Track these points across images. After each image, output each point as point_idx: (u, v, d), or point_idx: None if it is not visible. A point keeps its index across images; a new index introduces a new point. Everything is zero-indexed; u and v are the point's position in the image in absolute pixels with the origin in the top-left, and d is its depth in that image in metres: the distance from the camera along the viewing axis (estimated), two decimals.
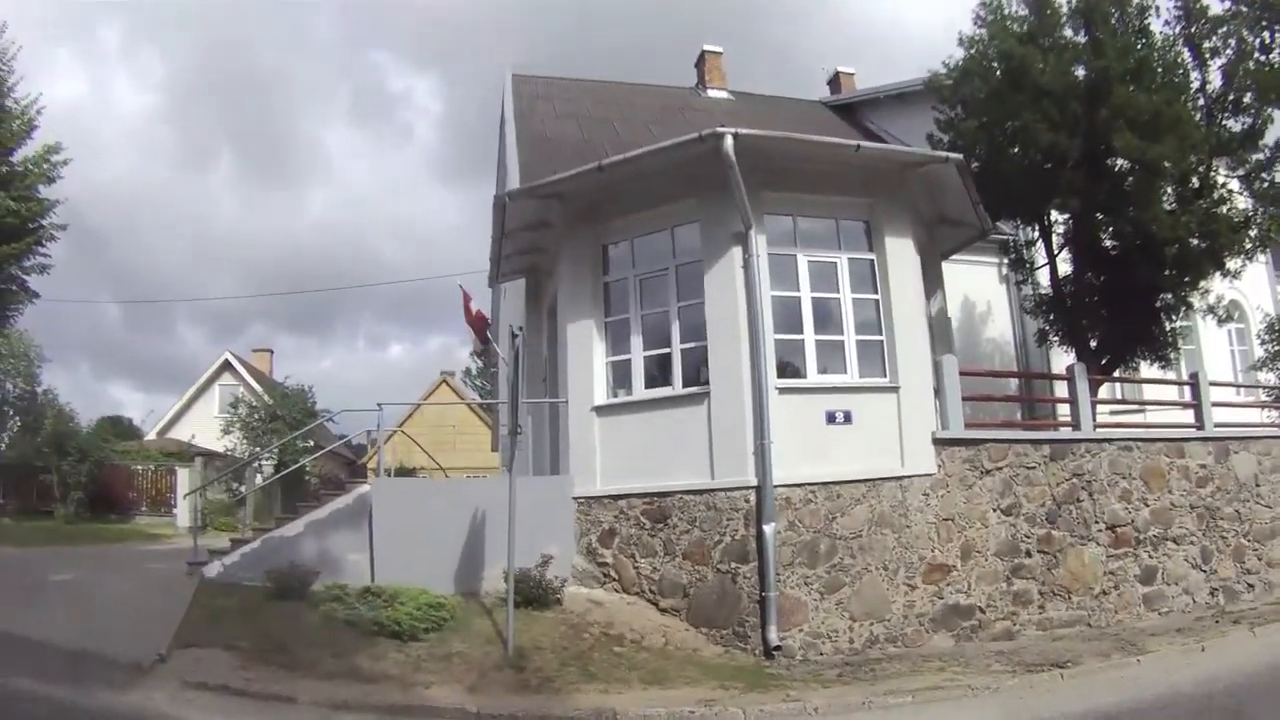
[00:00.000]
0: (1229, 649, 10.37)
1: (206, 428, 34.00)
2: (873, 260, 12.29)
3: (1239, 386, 18.68)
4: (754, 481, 11.03)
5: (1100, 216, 14.14)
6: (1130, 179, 13.82)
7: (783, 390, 11.41)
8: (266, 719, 8.25)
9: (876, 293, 12.19)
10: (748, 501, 11.07)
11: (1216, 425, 14.23)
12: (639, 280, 12.72)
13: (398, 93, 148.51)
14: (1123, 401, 16.29)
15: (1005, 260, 16.70)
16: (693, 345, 11.98)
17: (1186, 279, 14.49)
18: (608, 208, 12.78)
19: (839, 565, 11.11)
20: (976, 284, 17.72)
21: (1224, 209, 14.05)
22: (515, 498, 10.55)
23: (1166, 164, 12.97)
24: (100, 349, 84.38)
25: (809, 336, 11.86)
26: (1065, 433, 13.00)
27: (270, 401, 31.01)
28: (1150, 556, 12.55)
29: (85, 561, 14.87)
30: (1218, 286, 15.18)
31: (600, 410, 12.51)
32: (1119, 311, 14.67)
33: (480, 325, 16.46)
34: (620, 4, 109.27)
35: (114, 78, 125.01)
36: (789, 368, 11.78)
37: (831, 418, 11.59)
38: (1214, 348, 19.82)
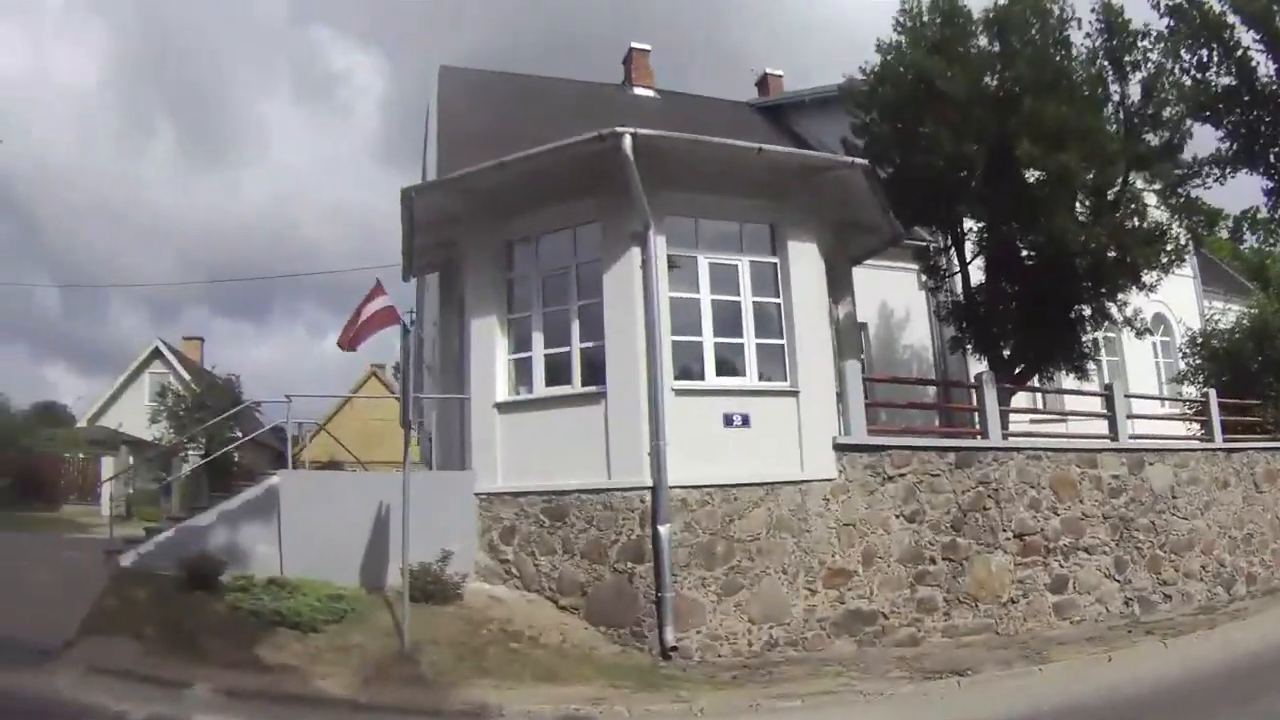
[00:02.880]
0: (1137, 660, 10.21)
1: (136, 415, 33.58)
2: (776, 264, 12.20)
3: (1158, 399, 18.67)
4: (649, 482, 10.90)
5: (1012, 226, 14.06)
6: (1039, 190, 13.72)
7: (680, 392, 11.28)
8: (164, 704, 8.31)
9: (778, 296, 12.10)
10: (643, 502, 10.94)
11: (1132, 437, 14.18)
12: (542, 278, 12.60)
13: (339, 71, 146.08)
14: (1033, 410, 16.22)
15: (920, 267, 16.64)
16: (593, 345, 11.84)
17: (1102, 290, 14.45)
18: (513, 205, 12.58)
19: (737, 568, 10.97)
20: (896, 290, 17.65)
21: (1137, 222, 14.05)
22: (409, 492, 10.52)
23: (1072, 174, 12.92)
24: (37, 332, 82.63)
25: (708, 339, 11.75)
26: (971, 440, 12.89)
27: (198, 390, 30.60)
28: (1061, 565, 12.46)
29: (3, 550, 14.56)
30: (1137, 299, 15.13)
31: (501, 407, 12.37)
32: (1032, 321, 14.58)
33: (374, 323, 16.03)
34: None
35: (42, 48, 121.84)
36: (688, 370, 11.63)
37: (729, 420, 11.47)
38: (1138, 360, 19.93)
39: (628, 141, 10.79)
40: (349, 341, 15.61)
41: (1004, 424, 13.60)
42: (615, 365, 11.44)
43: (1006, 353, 15.05)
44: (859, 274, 15.79)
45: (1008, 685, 9.11)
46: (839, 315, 14.25)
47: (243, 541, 11.95)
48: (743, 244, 12.25)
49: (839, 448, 11.73)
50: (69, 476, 27.40)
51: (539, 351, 12.34)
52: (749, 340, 11.89)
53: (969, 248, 15.48)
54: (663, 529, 10.70)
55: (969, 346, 15.74)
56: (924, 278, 16.74)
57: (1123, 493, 13.34)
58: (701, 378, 11.67)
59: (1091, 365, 15.70)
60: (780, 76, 24.55)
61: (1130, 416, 14.51)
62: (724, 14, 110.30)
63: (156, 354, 40.73)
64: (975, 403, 13.30)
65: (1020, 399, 15.68)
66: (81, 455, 27.94)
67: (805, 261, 12.25)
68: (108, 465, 26.17)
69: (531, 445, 11.99)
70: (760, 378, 11.86)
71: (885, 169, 14.55)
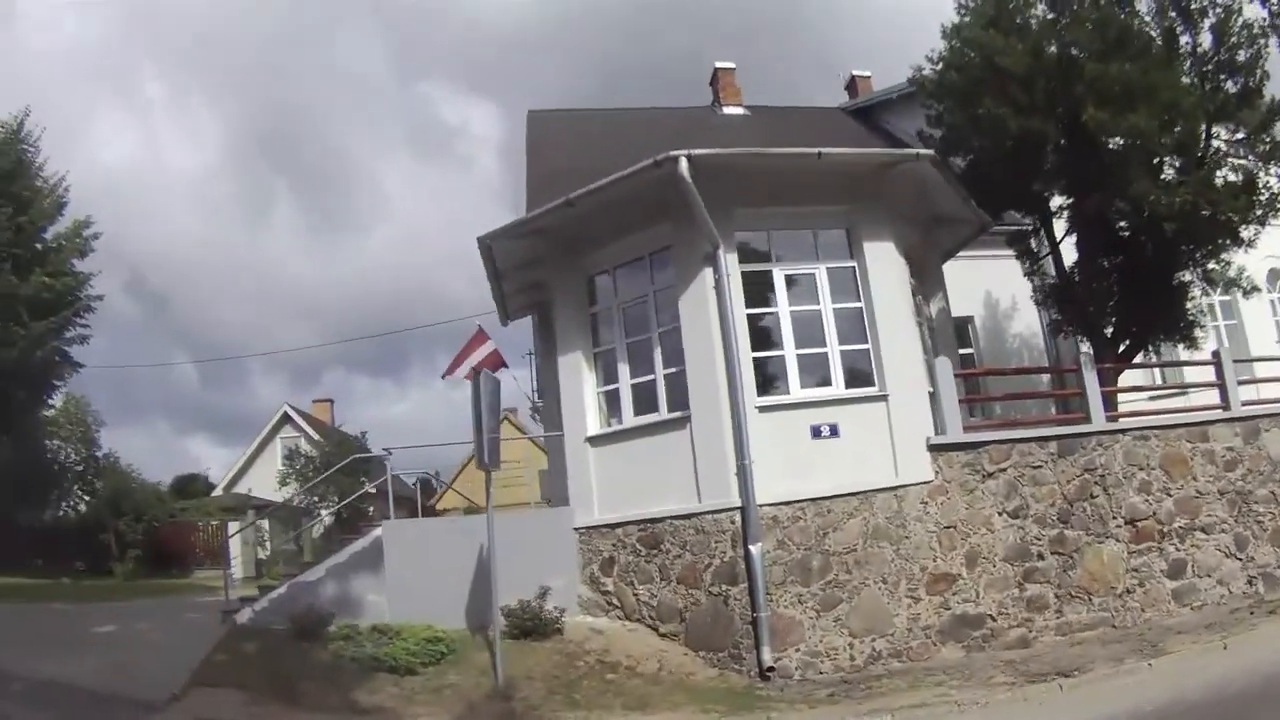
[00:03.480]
0: (1254, 645, 9.66)
1: (269, 479, 34.88)
2: (854, 268, 12.05)
3: (1276, 360, 17.57)
4: (737, 502, 10.91)
5: (1095, 198, 13.35)
6: (1115, 157, 12.98)
7: (763, 409, 11.28)
8: None
9: (860, 300, 11.93)
10: (733, 523, 10.96)
11: (1245, 404, 13.37)
12: (622, 309, 12.86)
13: (454, 124, 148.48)
14: (1142, 388, 15.34)
15: (1015, 252, 15.92)
16: (675, 370, 11.95)
17: (1200, 253, 13.69)
18: (589, 240, 12.88)
19: (834, 581, 10.87)
20: (1000, 279, 16.86)
21: (1223, 175, 13.28)
22: (496, 533, 10.88)
23: (1143, 135, 12.25)
24: (178, 407, 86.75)
25: (789, 352, 11.70)
26: (1072, 426, 12.34)
27: (327, 449, 31.58)
28: (1177, 549, 11.88)
29: (131, 614, 15.46)
30: (1242, 257, 14.24)
31: (593, 440, 12.64)
32: (1131, 295, 13.91)
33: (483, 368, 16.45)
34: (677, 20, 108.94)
35: (164, 136, 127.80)
36: (771, 385, 11.60)
37: (817, 432, 11.38)
38: (1257, 321, 18.79)
39: (684, 164, 10.87)
40: (463, 376, 16.14)
41: (1111, 405, 13.09)
42: (697, 388, 11.53)
43: (1109, 331, 14.39)
44: (960, 267, 15.59)
45: (1114, 685, 8.70)
46: (931, 312, 13.96)
47: (353, 592, 12.60)
48: (819, 251, 12.17)
49: (934, 448, 11.51)
50: (199, 543, 28.68)
51: (625, 382, 12.60)
52: (833, 348, 11.78)
53: (1062, 226, 14.85)
54: (754, 548, 10.70)
55: (1069, 329, 15.14)
56: (1023, 263, 16.04)
57: (1238, 464, 12.59)
58: (786, 391, 11.60)
59: (1200, 332, 14.77)
60: (868, 77, 23.81)
61: (1243, 382, 13.72)
62: (813, 21, 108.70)
63: (286, 419, 42.22)
64: (1077, 387, 12.78)
65: (1134, 377, 14.94)
66: (214, 522, 29.19)
67: (884, 261, 12.06)
68: (234, 530, 27.35)
69: (624, 475, 12.21)
70: (847, 385, 11.70)
71: (965, 156, 14.20)
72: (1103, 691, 8.60)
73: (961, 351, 17.93)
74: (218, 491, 37.08)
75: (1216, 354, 13.74)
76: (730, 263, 11.43)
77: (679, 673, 10.69)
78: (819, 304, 11.90)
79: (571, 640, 11.36)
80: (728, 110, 22.04)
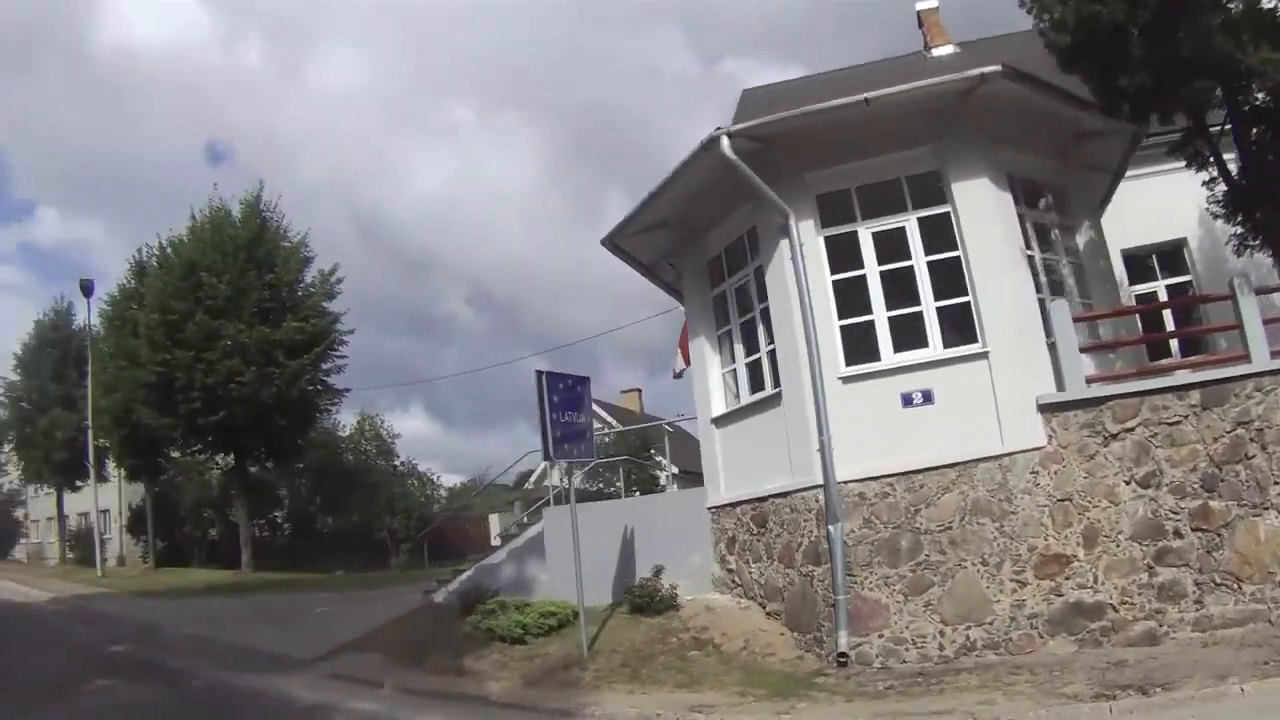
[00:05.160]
0: None
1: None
2: (948, 212, 10.91)
3: None
4: (820, 480, 10.52)
5: (1216, 79, 10.54)
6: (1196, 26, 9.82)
7: (847, 379, 10.78)
8: (353, 695, 10.71)
9: (957, 249, 10.82)
10: (818, 501, 10.62)
11: None
12: (735, 289, 12.84)
13: None
14: None
15: (1184, 161, 12.32)
16: (773, 346, 11.70)
17: None
18: (701, 226, 13.06)
19: (925, 562, 10.10)
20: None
21: None
22: (577, 518, 11.74)
23: None
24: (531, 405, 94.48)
25: (880, 315, 10.90)
26: (1220, 370, 10.08)
27: (612, 437, 32.15)
28: None
29: (362, 599, 17.87)
30: None
31: (717, 421, 12.88)
32: None
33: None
34: None
35: (482, 154, 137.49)
36: (862, 352, 10.90)
37: (908, 400, 10.59)
38: None
39: (725, 143, 10.62)
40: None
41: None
42: (785, 362, 11.33)
43: None
44: (1163, 184, 13.92)
45: (1179, 713, 7.03)
46: (1078, 245, 12.24)
47: (527, 572, 14.06)
48: (910, 201, 11.16)
49: (1045, 408, 10.13)
50: (474, 534, 31.69)
51: (740, 361, 12.65)
52: (928, 306, 10.81)
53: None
54: (833, 528, 10.29)
55: (1253, 244, 12.11)
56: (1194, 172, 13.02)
57: None
58: (877, 358, 10.85)
59: None
60: None
61: None
62: None
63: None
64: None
65: None
66: (480, 514, 32.34)
67: (981, 199, 10.78)
68: (494, 520, 29.71)
69: (741, 454, 12.40)
70: (945, 345, 10.70)
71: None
72: None
73: (1176, 280, 15.67)
74: (529, 484, 39.89)
75: None
76: (804, 230, 10.99)
77: (760, 653, 10.69)
78: (911, 259, 10.93)
79: (679, 617, 11.79)
80: (936, 52, 20.53)
